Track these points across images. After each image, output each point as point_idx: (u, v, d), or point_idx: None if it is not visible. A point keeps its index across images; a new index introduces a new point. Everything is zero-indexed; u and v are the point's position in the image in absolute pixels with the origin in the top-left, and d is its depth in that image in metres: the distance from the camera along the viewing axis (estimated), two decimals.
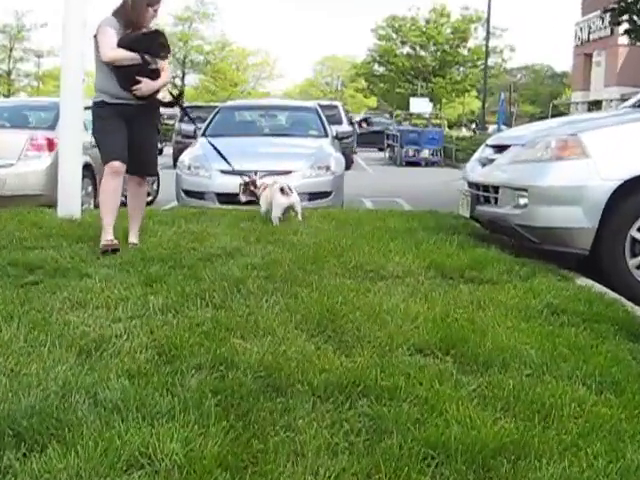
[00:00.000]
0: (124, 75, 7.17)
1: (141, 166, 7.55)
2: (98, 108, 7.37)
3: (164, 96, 7.77)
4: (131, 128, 7.30)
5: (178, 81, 71.99)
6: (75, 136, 9.39)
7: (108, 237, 7.04)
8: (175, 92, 8.14)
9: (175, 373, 3.87)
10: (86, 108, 9.17)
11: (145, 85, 7.20)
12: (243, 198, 9.66)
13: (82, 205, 9.72)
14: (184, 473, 2.91)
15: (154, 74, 7.29)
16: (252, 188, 9.55)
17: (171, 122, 34.31)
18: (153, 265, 6.17)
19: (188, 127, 21.11)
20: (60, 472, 2.90)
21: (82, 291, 5.34)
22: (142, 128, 7.40)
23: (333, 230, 8.36)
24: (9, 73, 69.75)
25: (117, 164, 7.22)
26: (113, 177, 7.25)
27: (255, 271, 6.06)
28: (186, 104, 31.87)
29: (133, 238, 7.43)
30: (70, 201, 9.28)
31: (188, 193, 11.92)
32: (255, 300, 5.20)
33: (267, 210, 9.20)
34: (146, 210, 9.83)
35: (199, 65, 76.69)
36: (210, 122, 14.16)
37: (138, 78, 7.16)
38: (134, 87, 7.17)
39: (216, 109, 15.25)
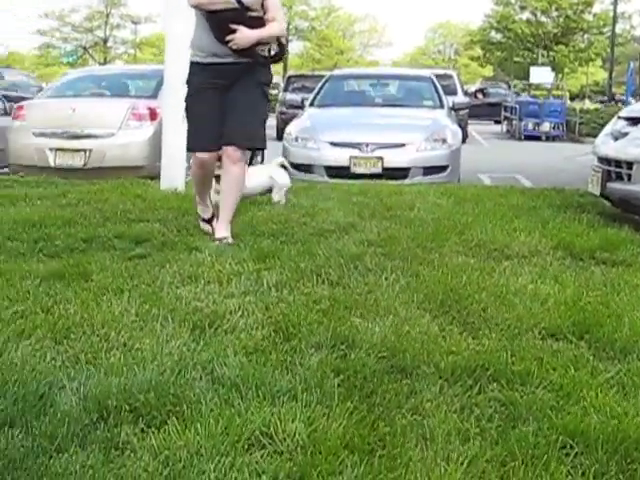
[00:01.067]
0: (217, 23, 6.30)
1: (235, 135, 6.46)
2: (190, 72, 6.60)
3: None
4: (229, 92, 6.43)
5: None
6: (180, 105, 9.51)
7: (205, 227, 6.85)
8: (274, 48, 6.61)
9: (294, 351, 3.93)
10: None
11: (240, 35, 6.24)
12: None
13: (186, 177, 9.85)
14: (308, 454, 2.96)
15: (256, 22, 6.34)
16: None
17: (274, 92, 34.58)
18: (264, 240, 6.24)
19: (293, 97, 21.21)
20: (180, 449, 2.98)
21: (192, 265, 5.45)
22: (242, 89, 6.43)
23: (452, 206, 8.34)
24: (105, 40, 71.11)
25: (203, 157, 6.59)
26: (200, 167, 6.69)
27: (372, 247, 6.09)
28: (291, 72, 32.06)
29: (221, 231, 6.47)
30: (174, 173, 9.45)
31: (295, 166, 11.97)
32: (374, 278, 5.23)
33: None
34: None
35: (304, 32, 76.83)
36: (318, 92, 14.22)
37: (233, 26, 6.23)
38: (228, 37, 6.24)
39: (325, 78, 15.30)
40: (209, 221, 6.86)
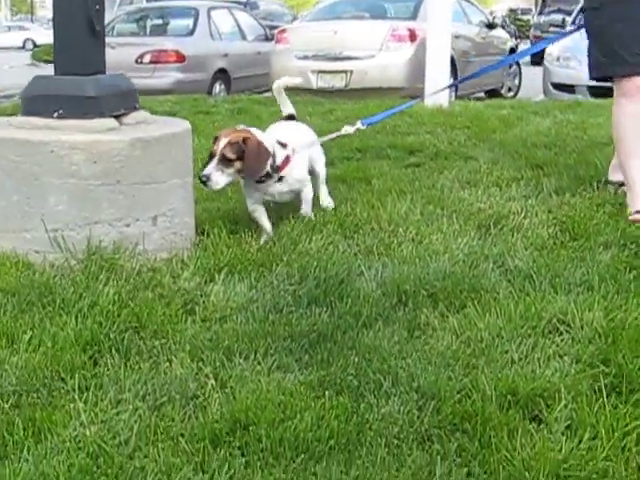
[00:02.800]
0: None
1: None
2: None
3: None
4: None
5: None
6: (444, 25, 9.56)
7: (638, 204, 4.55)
8: None
9: (583, 249, 3.94)
10: None
11: None
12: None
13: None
14: (607, 341, 2.97)
15: None
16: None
17: (525, 17, 33.99)
18: (537, 150, 6.21)
19: (549, 19, 20.81)
20: (481, 331, 3.06)
21: (470, 172, 5.50)
22: None
23: None
24: None
25: None
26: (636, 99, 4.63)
27: None
28: None
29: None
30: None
31: (557, 86, 11.78)
32: None
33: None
34: (514, 101, 9.94)
35: None
36: (581, 9, 13.81)
37: None
38: None
39: None
40: None
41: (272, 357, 2.85)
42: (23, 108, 4.18)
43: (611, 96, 7.96)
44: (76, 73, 4.04)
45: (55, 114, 4.00)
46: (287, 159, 4.37)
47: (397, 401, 2.54)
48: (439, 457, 2.26)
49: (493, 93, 14.38)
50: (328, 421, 2.38)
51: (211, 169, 4.13)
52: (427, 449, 2.32)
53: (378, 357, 2.84)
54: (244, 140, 4.16)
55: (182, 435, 2.38)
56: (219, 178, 4.15)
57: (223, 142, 4.15)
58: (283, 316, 3.20)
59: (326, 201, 4.80)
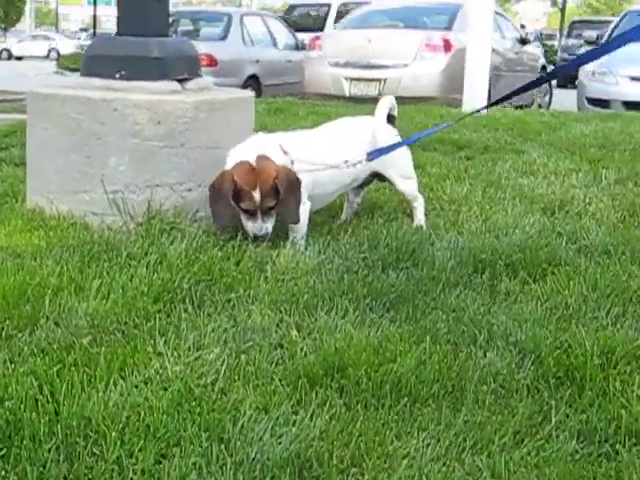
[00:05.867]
0: None
1: None
2: None
3: None
4: None
5: None
6: (484, 37, 9.47)
7: None
8: None
9: None
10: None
11: None
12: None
13: None
14: None
15: None
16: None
17: (550, 42, 33.99)
18: (590, 148, 6.08)
19: (576, 41, 20.74)
20: (566, 298, 2.95)
21: (525, 163, 5.40)
22: None
23: None
24: None
25: None
26: None
27: None
28: (575, 18, 31.36)
29: None
30: (476, 101, 9.39)
31: (592, 101, 11.66)
32: None
33: None
34: (553, 111, 9.85)
35: None
36: (615, 27, 13.73)
37: None
38: None
39: (623, 13, 14.73)
40: None
41: (354, 313, 2.72)
42: (84, 69, 4.08)
43: None
44: (140, 34, 3.94)
45: (117, 75, 3.89)
46: None
47: (496, 354, 2.41)
48: (553, 404, 2.13)
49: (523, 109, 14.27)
50: (431, 365, 2.25)
51: (263, 225, 3.46)
52: (536, 398, 2.19)
53: (467, 315, 2.71)
54: (275, 178, 3.41)
55: (275, 374, 2.26)
56: (270, 225, 3.49)
57: (257, 194, 3.39)
58: (359, 277, 3.07)
59: (417, 219, 3.97)
